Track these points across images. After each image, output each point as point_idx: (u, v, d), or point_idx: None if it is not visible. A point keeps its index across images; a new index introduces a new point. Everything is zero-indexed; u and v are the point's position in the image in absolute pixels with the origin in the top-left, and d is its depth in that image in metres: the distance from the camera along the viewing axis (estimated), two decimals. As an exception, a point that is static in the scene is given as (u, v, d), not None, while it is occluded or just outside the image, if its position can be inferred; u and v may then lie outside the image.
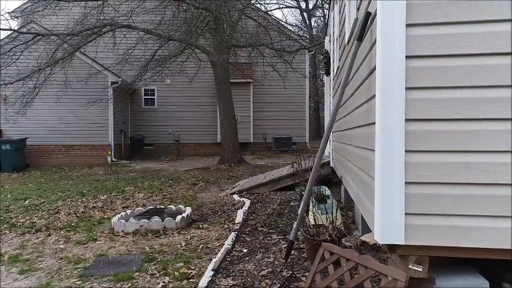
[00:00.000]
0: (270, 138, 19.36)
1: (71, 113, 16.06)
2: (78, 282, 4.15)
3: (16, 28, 14.49)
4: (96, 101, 14.18)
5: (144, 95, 18.64)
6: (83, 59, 15.58)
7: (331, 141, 8.43)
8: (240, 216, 6.30)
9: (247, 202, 7.46)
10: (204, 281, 3.72)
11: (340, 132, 6.31)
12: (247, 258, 4.45)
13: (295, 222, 3.48)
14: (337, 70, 7.02)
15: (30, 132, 15.84)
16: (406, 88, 2.61)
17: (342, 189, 6.97)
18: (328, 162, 8.59)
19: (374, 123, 2.80)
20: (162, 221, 5.97)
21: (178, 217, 6.08)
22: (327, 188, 6.74)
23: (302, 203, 3.46)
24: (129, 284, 3.98)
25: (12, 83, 11.27)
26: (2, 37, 13.79)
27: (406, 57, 2.62)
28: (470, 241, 2.55)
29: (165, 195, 9.17)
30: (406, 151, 2.61)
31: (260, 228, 5.66)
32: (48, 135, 16.27)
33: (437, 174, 2.58)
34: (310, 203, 5.25)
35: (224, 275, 3.95)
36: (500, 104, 2.49)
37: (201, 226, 6.11)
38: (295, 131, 19.37)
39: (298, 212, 3.41)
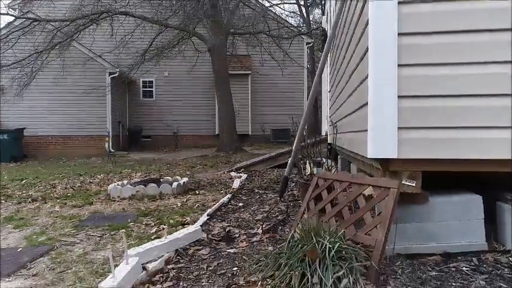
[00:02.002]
0: (268, 130, 19.35)
1: (69, 104, 16.02)
2: (73, 231, 4.14)
3: (13, 18, 14.46)
4: (95, 88, 14.19)
5: (142, 87, 18.61)
6: (81, 49, 15.57)
7: (327, 117, 8.42)
8: (237, 183, 6.29)
9: (245, 176, 7.45)
10: (199, 223, 3.69)
11: (339, 96, 6.31)
12: (242, 210, 4.43)
13: (289, 160, 3.46)
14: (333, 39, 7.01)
15: (28, 123, 15.79)
16: (399, 2, 2.61)
17: (339, 162, 6.97)
18: (326, 139, 8.58)
19: (367, 49, 2.80)
20: (159, 187, 5.96)
21: (175, 183, 6.06)
22: (323, 158, 6.72)
23: (296, 139, 3.45)
24: (123, 231, 3.96)
25: (9, 66, 11.26)
26: (2, 26, 13.72)
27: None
28: (466, 153, 2.54)
29: (162, 174, 9.13)
30: (398, 65, 2.60)
31: (256, 190, 5.65)
32: (46, 126, 16.23)
33: (430, 87, 2.57)
34: (307, 164, 5.23)
35: (219, 220, 3.94)
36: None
37: (197, 192, 6.09)
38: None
39: (293, 147, 3.40)
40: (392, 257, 2.62)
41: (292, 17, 24.55)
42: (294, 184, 5.71)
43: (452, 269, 2.44)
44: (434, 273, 2.41)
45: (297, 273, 2.23)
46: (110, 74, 16.02)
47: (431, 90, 2.57)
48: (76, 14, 11.93)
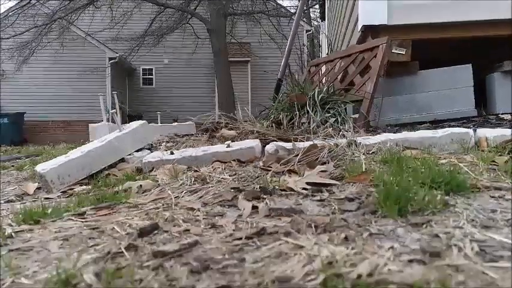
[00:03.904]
0: (268, 119, 19.36)
1: (70, 89, 16.08)
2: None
3: (12, 8, 14.51)
4: (95, 69, 14.29)
5: (142, 75, 18.67)
6: (81, 35, 15.66)
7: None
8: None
9: (242, 134, 7.49)
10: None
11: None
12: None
13: (283, 61, 3.48)
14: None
15: (28, 108, 15.85)
16: None
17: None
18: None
19: None
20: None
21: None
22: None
23: (288, 45, 3.47)
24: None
25: (8, 38, 11.34)
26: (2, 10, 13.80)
27: None
28: (459, 15, 2.55)
29: (160, 141, 9.18)
30: None
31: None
32: (47, 111, 16.29)
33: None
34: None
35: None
36: None
37: (194, 139, 6.12)
38: (293, 111, 19.32)
39: (286, 50, 3.43)
40: (379, 127, 2.62)
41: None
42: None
43: (441, 125, 2.45)
44: (422, 126, 2.42)
45: (286, 114, 2.25)
46: (110, 59, 16.11)
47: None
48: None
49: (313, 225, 0.75)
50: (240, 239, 0.72)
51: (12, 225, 0.91)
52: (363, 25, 2.67)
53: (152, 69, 18.62)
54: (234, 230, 0.78)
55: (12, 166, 2.55)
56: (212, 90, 18.29)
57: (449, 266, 0.55)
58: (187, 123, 3.30)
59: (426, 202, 0.77)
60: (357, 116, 2.49)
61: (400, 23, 2.62)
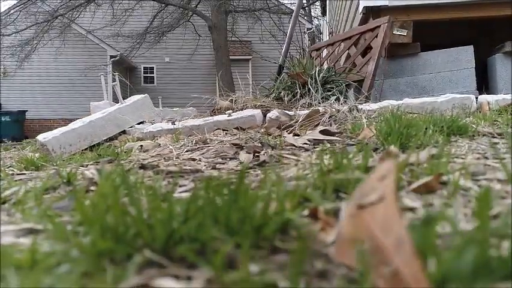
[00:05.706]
0: (269, 117, 19.35)
1: (70, 87, 16.12)
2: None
3: (15, 5, 14.54)
4: (96, 68, 14.30)
5: (144, 73, 18.66)
6: (82, 33, 15.70)
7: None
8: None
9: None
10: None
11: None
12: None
13: (284, 47, 3.48)
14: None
15: (29, 105, 15.90)
16: None
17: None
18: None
19: None
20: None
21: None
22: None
23: (289, 29, 3.46)
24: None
25: (9, 35, 11.35)
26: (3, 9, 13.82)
27: None
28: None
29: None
30: None
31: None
32: (48, 110, 16.33)
33: None
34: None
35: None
36: None
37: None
38: (294, 109, 19.30)
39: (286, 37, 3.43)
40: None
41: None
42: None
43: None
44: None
45: (287, 92, 2.25)
46: (111, 57, 16.13)
47: None
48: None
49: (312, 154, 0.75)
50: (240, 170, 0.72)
51: (14, 171, 0.91)
52: (364, 6, 2.67)
53: (153, 67, 18.62)
54: (235, 166, 0.78)
55: (14, 147, 2.56)
56: (213, 89, 18.28)
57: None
58: (188, 108, 3.31)
59: (428, 137, 0.77)
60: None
61: (401, 4, 2.62)
